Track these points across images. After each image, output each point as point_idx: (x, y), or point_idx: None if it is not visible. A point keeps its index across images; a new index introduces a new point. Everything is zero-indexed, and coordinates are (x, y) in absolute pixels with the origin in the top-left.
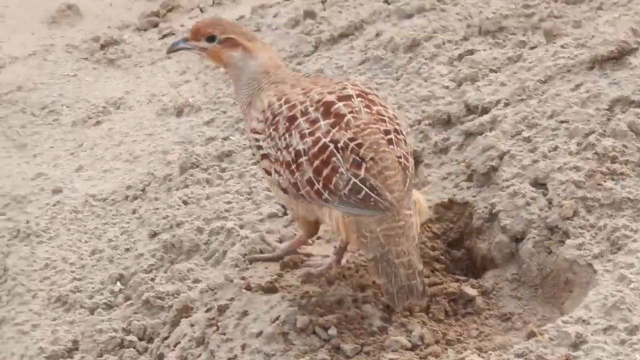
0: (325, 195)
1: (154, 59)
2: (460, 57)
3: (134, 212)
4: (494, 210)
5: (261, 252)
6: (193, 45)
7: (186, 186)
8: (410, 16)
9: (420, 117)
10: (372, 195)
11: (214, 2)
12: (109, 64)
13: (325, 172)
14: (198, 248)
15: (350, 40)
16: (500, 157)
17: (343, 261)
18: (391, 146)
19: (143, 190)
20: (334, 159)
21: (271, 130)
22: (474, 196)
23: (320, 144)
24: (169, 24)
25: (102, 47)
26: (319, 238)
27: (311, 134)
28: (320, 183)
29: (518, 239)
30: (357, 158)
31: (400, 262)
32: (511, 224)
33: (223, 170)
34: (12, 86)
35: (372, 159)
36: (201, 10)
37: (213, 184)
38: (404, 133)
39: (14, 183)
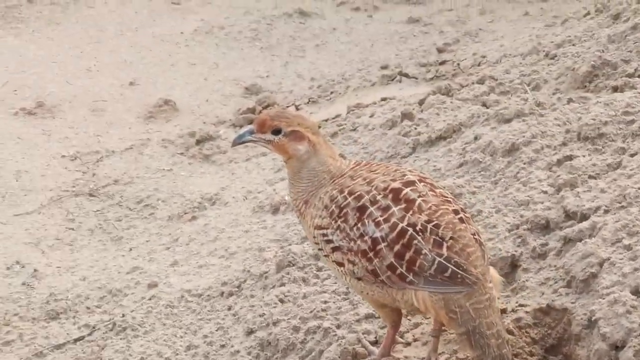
0: (410, 277)
1: (249, 156)
2: (559, 163)
3: (229, 308)
4: (594, 318)
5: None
6: (259, 138)
7: (282, 284)
8: (509, 120)
9: (518, 222)
10: (459, 272)
11: (309, 100)
12: (204, 159)
13: (408, 255)
14: (294, 347)
15: (448, 143)
16: (600, 265)
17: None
18: (464, 224)
19: (239, 287)
20: (415, 241)
21: (339, 222)
22: (572, 302)
23: (399, 228)
24: None
25: (198, 142)
26: (415, 340)
27: (386, 220)
28: (404, 267)
29: (618, 347)
30: (438, 238)
31: (490, 333)
32: (611, 331)
33: (319, 269)
34: (109, 179)
35: (451, 237)
36: (296, 108)
37: (309, 282)
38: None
39: (110, 276)
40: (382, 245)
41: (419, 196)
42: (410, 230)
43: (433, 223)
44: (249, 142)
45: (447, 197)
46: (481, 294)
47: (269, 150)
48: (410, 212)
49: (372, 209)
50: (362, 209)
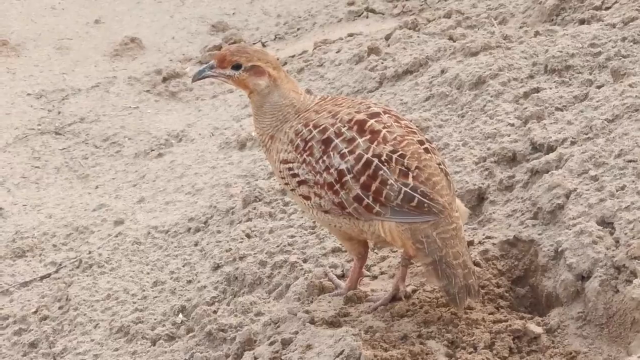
0: (377, 208)
1: (215, 92)
2: (525, 95)
3: (196, 244)
4: (560, 249)
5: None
6: (219, 73)
7: (249, 219)
8: (475, 54)
9: (485, 155)
10: (425, 201)
11: (275, 37)
12: (170, 96)
13: (374, 185)
14: (261, 281)
15: (415, 77)
16: (567, 196)
17: (408, 289)
18: (429, 154)
19: (205, 223)
20: (380, 172)
21: (305, 156)
22: (539, 234)
23: (364, 159)
24: None
25: (164, 79)
26: (382, 273)
27: (351, 152)
28: (370, 197)
29: (584, 277)
30: (403, 168)
31: (457, 262)
32: (577, 262)
33: (286, 204)
34: (75, 117)
35: (417, 167)
36: (263, 45)
37: (276, 217)
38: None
39: (76, 214)
40: (348, 177)
41: (384, 127)
42: (376, 160)
43: (398, 153)
44: (208, 77)
45: (412, 128)
46: (448, 223)
47: (233, 86)
48: (375, 143)
49: (337, 141)
50: (327, 142)
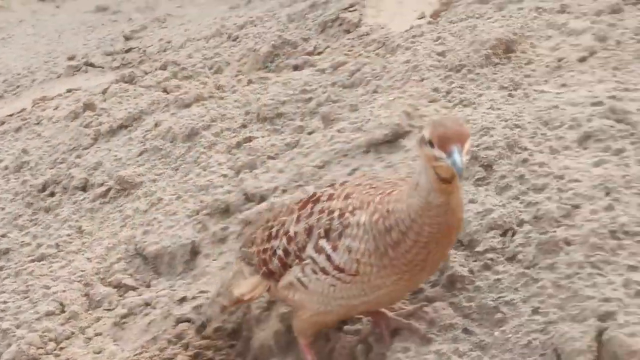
0: None
1: None
2: (238, 145)
3: None
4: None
5: None
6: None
7: None
8: (188, 105)
9: (198, 208)
10: None
11: None
12: None
13: None
14: None
15: (129, 132)
16: None
17: None
18: None
19: None
20: None
21: None
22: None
23: None
24: None
25: None
26: None
27: None
28: None
29: None
30: None
31: None
32: (288, 312)
33: (0, 268)
34: None
35: None
36: None
37: None
38: None
39: None
40: None
41: None
42: None
43: None
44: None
45: None
46: None
47: None
48: None
49: None
50: None
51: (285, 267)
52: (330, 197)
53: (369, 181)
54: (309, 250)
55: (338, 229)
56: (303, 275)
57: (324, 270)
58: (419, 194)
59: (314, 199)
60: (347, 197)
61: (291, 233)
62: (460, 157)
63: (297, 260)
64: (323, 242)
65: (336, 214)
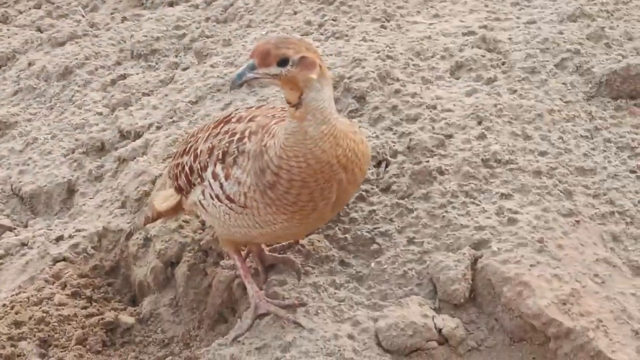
0: None
1: None
2: (113, 82)
3: None
4: (149, 235)
5: None
6: (263, 74)
7: None
8: (62, 44)
9: (74, 146)
10: None
11: None
12: None
13: None
14: None
15: (3, 72)
16: (153, 182)
17: None
18: None
19: None
20: None
21: None
22: (128, 222)
23: None
24: None
25: None
26: None
27: None
28: None
29: (173, 263)
30: None
31: None
32: (165, 248)
33: None
34: None
35: None
36: None
37: None
38: None
39: None
40: None
41: None
42: None
43: None
44: (251, 80)
45: None
46: None
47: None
48: None
49: None
50: None
51: (190, 184)
52: (240, 119)
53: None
54: (208, 174)
55: (234, 154)
56: (203, 199)
57: (218, 198)
58: (281, 130)
59: (227, 119)
60: (251, 119)
61: (198, 151)
62: (242, 68)
63: (199, 180)
64: (219, 168)
65: (236, 137)
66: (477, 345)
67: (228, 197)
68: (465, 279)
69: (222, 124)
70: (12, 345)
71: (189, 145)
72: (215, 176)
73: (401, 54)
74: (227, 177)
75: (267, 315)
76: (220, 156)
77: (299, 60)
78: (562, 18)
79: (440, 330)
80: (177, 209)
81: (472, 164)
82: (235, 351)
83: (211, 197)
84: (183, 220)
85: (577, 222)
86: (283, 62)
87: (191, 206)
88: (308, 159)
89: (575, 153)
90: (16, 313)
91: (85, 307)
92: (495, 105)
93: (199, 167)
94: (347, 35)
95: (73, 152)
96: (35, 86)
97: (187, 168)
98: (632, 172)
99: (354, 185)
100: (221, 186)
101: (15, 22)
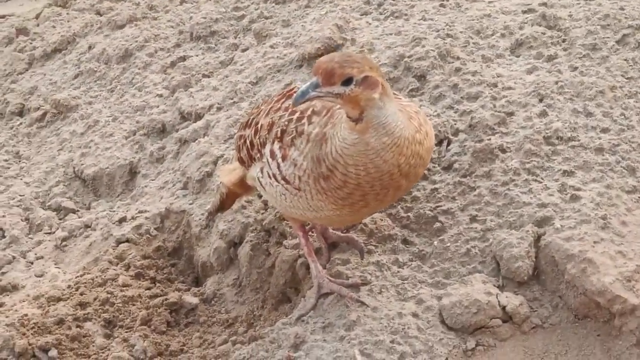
0: None
1: None
2: (172, 65)
3: None
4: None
5: None
6: (326, 93)
7: None
8: (121, 27)
9: (135, 128)
10: None
11: None
12: None
13: None
14: None
15: (64, 55)
16: (214, 162)
17: None
18: None
19: None
20: None
21: None
22: (190, 204)
23: None
24: None
25: None
26: None
27: None
28: None
29: (236, 243)
30: None
31: None
32: (228, 228)
33: None
34: None
35: None
36: None
37: None
38: None
39: None
40: None
41: None
42: None
43: None
44: (314, 98)
45: None
46: None
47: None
48: None
49: None
50: None
51: (252, 159)
52: None
53: None
54: (266, 151)
55: (292, 134)
56: (261, 176)
57: (275, 177)
58: (341, 130)
59: (290, 92)
60: None
61: (258, 125)
62: (305, 86)
63: (259, 155)
64: (276, 147)
65: (296, 115)
66: (541, 322)
67: (284, 178)
68: (529, 256)
69: (284, 98)
70: (78, 326)
71: (252, 118)
72: (273, 155)
73: (461, 32)
74: (284, 158)
75: (330, 294)
76: (278, 134)
77: (362, 79)
78: None
79: (504, 308)
80: (243, 184)
81: (534, 141)
82: (299, 330)
83: (269, 176)
84: (245, 201)
85: None
86: (347, 81)
87: (250, 180)
88: (368, 168)
89: (638, 129)
90: (81, 294)
91: (149, 288)
92: (556, 83)
93: (259, 142)
94: (406, 15)
95: (134, 134)
96: (95, 69)
97: (248, 142)
98: None
99: (415, 182)
100: (278, 166)
101: (74, 6)
